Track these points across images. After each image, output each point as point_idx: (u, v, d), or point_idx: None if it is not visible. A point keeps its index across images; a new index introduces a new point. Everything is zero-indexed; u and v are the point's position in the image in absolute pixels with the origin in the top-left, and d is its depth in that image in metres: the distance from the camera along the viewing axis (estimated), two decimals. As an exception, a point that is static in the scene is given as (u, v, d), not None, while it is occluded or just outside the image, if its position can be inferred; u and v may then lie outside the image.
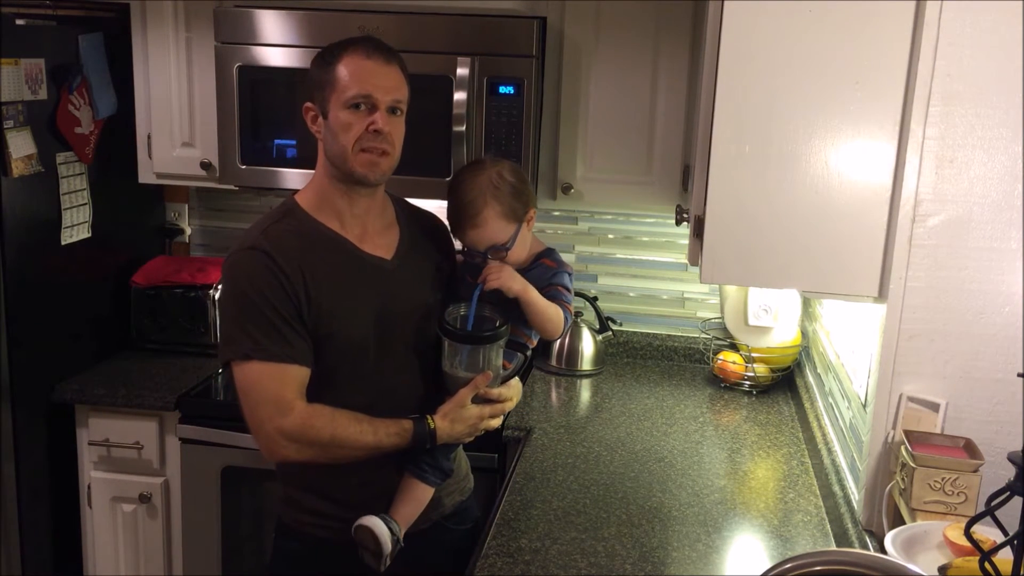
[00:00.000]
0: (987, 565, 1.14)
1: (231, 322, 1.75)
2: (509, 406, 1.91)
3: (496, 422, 1.89)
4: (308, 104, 1.79)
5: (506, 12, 2.50)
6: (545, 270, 1.92)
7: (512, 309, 1.87)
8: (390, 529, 1.81)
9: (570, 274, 1.95)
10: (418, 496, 1.87)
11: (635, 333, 3.04)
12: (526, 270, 1.91)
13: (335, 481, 1.84)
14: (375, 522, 1.80)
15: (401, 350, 1.85)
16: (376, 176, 1.77)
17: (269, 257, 1.73)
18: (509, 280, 1.81)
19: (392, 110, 1.76)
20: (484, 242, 1.85)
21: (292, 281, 1.73)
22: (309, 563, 1.91)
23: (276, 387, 1.71)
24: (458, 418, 1.81)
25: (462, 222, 1.85)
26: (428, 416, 1.81)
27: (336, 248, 1.81)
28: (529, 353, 1.97)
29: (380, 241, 1.87)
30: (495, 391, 1.85)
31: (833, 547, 1.82)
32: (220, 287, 1.94)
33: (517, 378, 1.96)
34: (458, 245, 1.96)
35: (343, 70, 1.73)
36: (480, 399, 1.83)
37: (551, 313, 1.87)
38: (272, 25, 2.53)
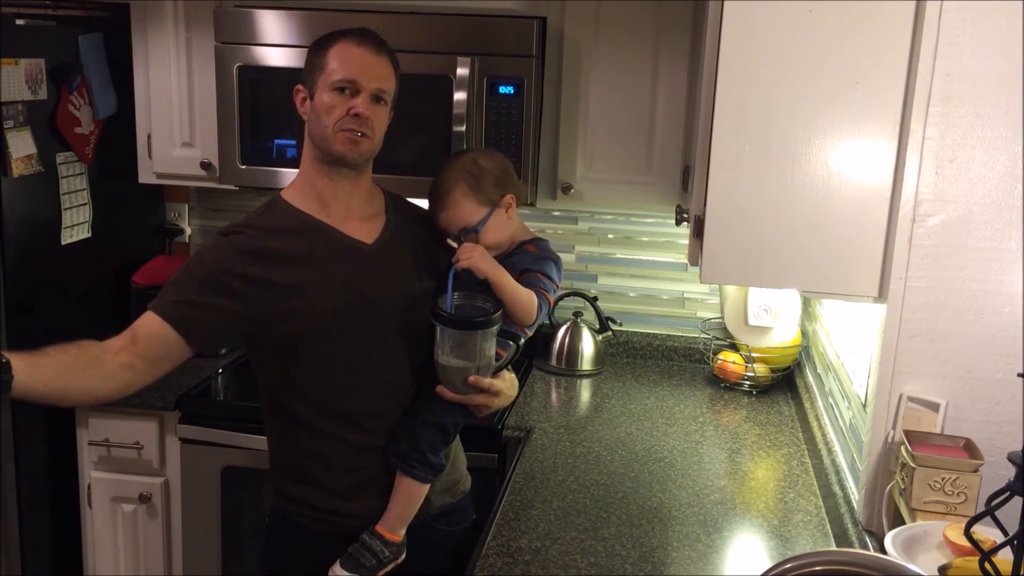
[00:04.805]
0: (987, 565, 1.14)
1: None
2: (501, 399, 1.89)
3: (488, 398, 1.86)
4: (299, 86, 1.84)
5: (506, 12, 2.50)
6: (526, 255, 1.92)
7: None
8: (361, 560, 1.84)
9: (556, 262, 1.93)
10: (408, 492, 1.87)
11: (635, 333, 3.04)
12: (508, 255, 1.91)
13: (319, 469, 1.86)
14: (338, 572, 1.85)
15: (385, 337, 1.86)
16: (355, 155, 1.80)
17: (233, 241, 1.79)
18: (479, 260, 1.81)
19: (376, 98, 1.79)
20: (455, 223, 1.87)
21: (249, 258, 1.77)
22: (299, 552, 1.91)
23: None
24: None
25: (435, 204, 1.89)
26: None
27: (313, 230, 1.84)
28: (522, 343, 1.94)
29: (363, 226, 1.89)
30: (486, 380, 1.83)
31: (833, 547, 1.82)
32: None
33: (512, 373, 1.95)
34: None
35: (333, 55, 1.79)
36: (471, 387, 1.82)
37: (522, 298, 1.84)
38: (272, 25, 2.53)
